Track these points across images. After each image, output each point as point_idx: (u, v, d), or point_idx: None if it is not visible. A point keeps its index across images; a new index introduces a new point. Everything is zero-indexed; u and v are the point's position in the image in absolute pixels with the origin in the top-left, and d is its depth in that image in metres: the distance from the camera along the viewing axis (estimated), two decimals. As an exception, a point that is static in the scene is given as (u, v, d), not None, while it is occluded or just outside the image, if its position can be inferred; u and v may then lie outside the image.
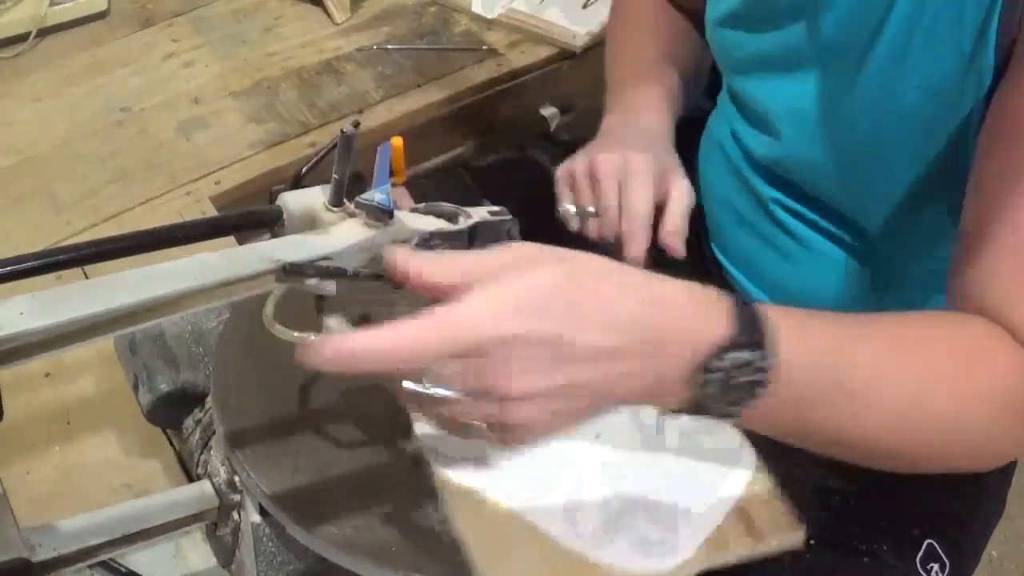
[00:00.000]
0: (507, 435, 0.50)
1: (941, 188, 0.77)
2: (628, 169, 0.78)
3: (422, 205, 0.63)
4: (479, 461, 0.64)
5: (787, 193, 0.88)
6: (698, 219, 1.02)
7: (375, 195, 0.55)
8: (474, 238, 0.62)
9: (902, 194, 0.79)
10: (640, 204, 0.77)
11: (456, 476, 0.63)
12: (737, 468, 0.66)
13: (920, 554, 0.78)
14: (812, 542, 0.76)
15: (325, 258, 0.54)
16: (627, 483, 0.65)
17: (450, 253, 0.52)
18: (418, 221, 0.59)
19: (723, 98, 0.96)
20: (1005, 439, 0.61)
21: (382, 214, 0.55)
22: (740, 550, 0.63)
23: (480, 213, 0.62)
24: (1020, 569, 1.61)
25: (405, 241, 0.57)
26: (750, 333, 0.51)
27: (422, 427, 0.65)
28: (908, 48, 0.70)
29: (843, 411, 0.56)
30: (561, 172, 0.82)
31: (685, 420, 0.57)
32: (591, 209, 0.79)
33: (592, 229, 0.79)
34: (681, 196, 0.80)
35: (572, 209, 0.80)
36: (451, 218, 0.61)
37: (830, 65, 0.77)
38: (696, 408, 0.52)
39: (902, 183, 0.78)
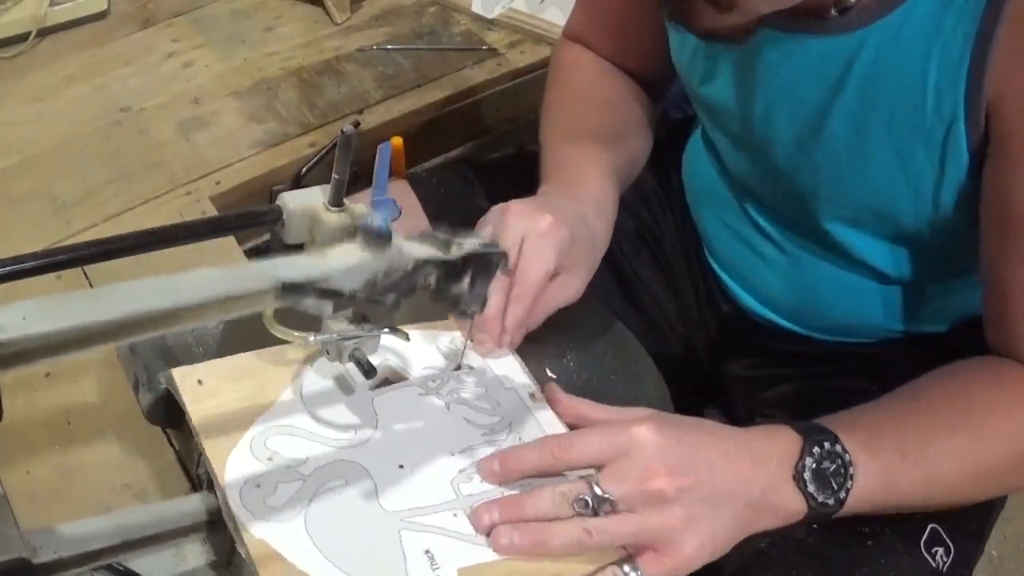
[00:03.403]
0: (662, 544, 0.60)
1: (916, 233, 0.78)
2: (535, 229, 0.72)
3: (417, 233, 0.63)
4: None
5: (761, 204, 0.88)
6: (691, 227, 1.02)
7: (374, 219, 0.55)
8: (466, 267, 0.62)
9: (877, 233, 0.80)
10: (531, 270, 0.72)
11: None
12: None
13: (924, 538, 0.78)
14: (815, 526, 0.77)
15: (322, 279, 0.54)
16: None
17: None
18: (414, 248, 0.59)
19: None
20: None
21: (380, 239, 0.55)
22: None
23: (472, 244, 0.62)
24: (1020, 569, 1.61)
25: (400, 268, 0.57)
26: (817, 432, 0.65)
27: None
28: (868, 116, 0.73)
29: (922, 472, 0.68)
30: (484, 219, 0.76)
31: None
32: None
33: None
34: (560, 292, 0.74)
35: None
36: (444, 246, 0.61)
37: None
38: (808, 512, 0.65)
39: (875, 226, 0.79)
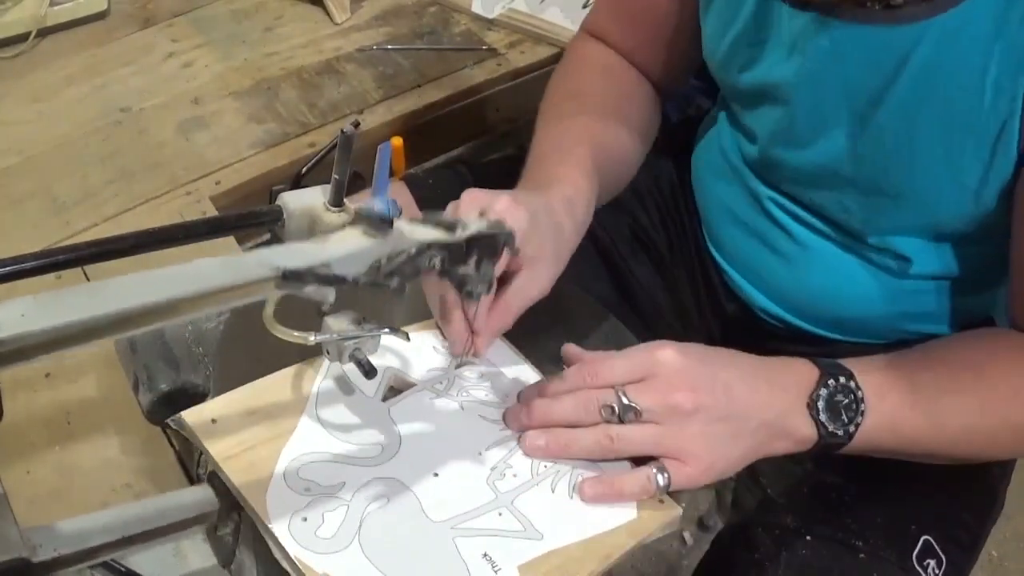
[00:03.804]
0: (679, 456, 0.65)
1: (951, 229, 0.77)
2: (492, 207, 0.68)
3: (421, 215, 0.63)
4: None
5: (784, 194, 0.88)
6: (695, 221, 1.02)
7: (375, 204, 0.55)
8: (471, 249, 0.62)
9: (911, 225, 0.80)
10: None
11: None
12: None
13: (916, 550, 0.78)
14: (808, 538, 0.77)
15: (324, 265, 0.54)
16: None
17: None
18: (416, 231, 0.59)
19: (722, 98, 0.96)
20: None
21: (381, 223, 0.55)
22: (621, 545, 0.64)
23: (478, 226, 0.62)
24: (1020, 569, 1.61)
25: (403, 251, 0.57)
26: (835, 367, 0.69)
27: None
28: (920, 108, 0.72)
29: (928, 426, 0.71)
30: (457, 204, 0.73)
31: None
32: None
33: None
34: (524, 286, 0.70)
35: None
36: (449, 228, 0.61)
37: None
38: (818, 440, 0.68)
39: (912, 217, 0.79)
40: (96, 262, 0.48)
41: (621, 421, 0.65)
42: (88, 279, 0.87)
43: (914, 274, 0.84)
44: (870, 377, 0.69)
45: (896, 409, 0.69)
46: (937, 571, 0.79)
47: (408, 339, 0.68)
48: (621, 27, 0.95)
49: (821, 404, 0.67)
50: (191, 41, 1.26)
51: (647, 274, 1.03)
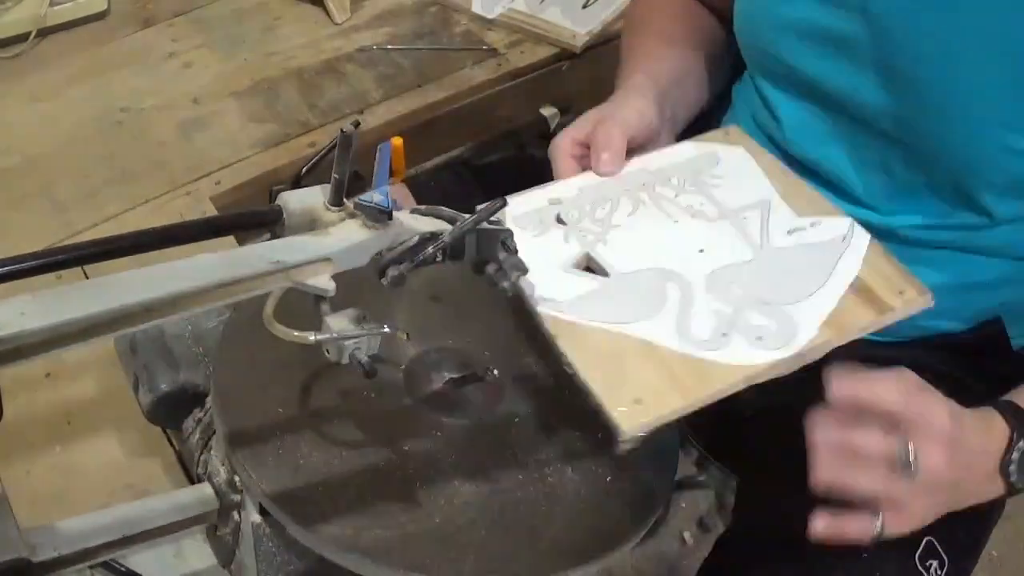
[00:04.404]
0: (893, 512, 0.64)
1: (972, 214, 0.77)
2: (606, 126, 0.77)
3: (422, 207, 0.63)
4: (583, 298, 0.67)
5: (821, 183, 0.87)
6: None
7: (374, 196, 0.55)
8: (471, 243, 0.62)
9: (925, 208, 0.79)
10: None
11: (563, 315, 0.65)
12: (849, 250, 0.70)
13: (919, 551, 0.78)
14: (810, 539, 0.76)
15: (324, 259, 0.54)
16: (736, 288, 0.67)
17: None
18: (417, 223, 0.59)
19: (747, 86, 0.95)
20: None
21: (381, 215, 0.55)
22: (863, 322, 0.65)
23: (477, 219, 0.62)
24: (1020, 569, 1.61)
25: (403, 243, 0.57)
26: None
27: (527, 284, 0.67)
28: (975, 60, 0.71)
29: None
30: (565, 134, 0.81)
31: (788, 216, 0.74)
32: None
33: None
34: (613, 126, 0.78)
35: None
36: (450, 223, 0.61)
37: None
38: (1005, 494, 0.68)
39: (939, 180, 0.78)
40: (96, 262, 0.48)
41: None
42: (88, 279, 0.87)
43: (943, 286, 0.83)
44: None
45: None
46: (939, 572, 0.78)
47: (408, 338, 0.69)
48: None
49: (1013, 468, 0.67)
50: (191, 41, 1.26)
51: None
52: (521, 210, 0.74)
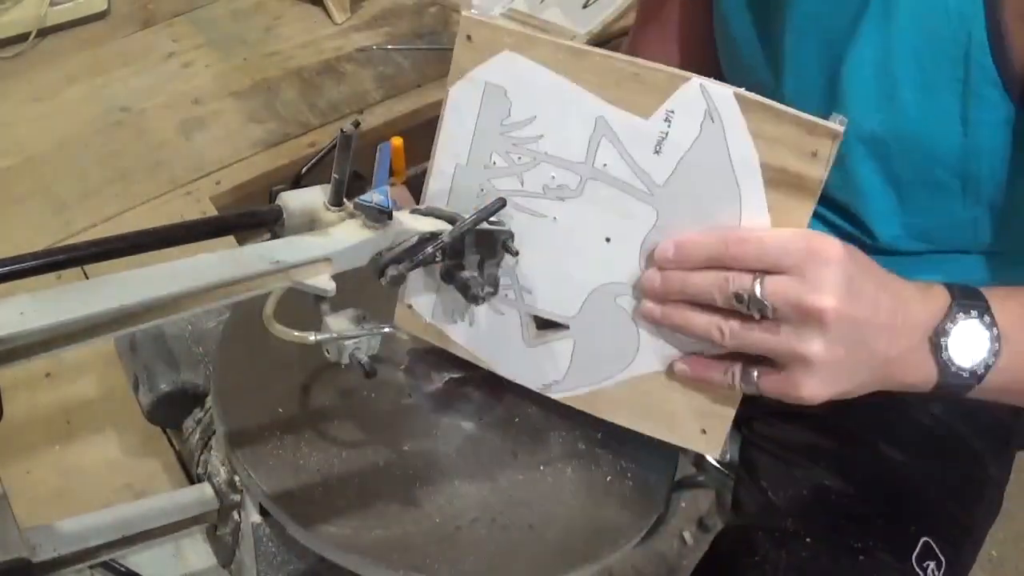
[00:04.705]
0: (788, 368, 0.58)
1: (948, 191, 0.76)
2: None
3: (422, 207, 0.63)
4: (575, 372, 0.66)
5: None
6: None
7: (374, 196, 0.56)
8: (470, 244, 0.62)
9: (901, 190, 0.79)
10: None
11: (572, 393, 0.66)
12: (729, 131, 0.57)
13: (916, 552, 0.78)
14: (808, 540, 0.76)
15: (324, 259, 0.54)
16: None
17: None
18: (416, 223, 0.59)
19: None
20: None
21: (381, 215, 0.55)
22: (806, 216, 0.58)
23: (477, 220, 0.62)
24: (1020, 569, 1.61)
25: (403, 243, 0.57)
26: (968, 297, 0.60)
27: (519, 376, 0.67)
28: (891, 34, 0.71)
29: None
30: None
31: (637, 127, 0.59)
32: None
33: None
34: None
35: None
36: (449, 222, 0.61)
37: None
38: (940, 379, 0.60)
39: (905, 178, 0.78)
40: (96, 262, 0.48)
41: (746, 313, 0.58)
42: (88, 279, 0.87)
43: (890, 247, 0.83)
44: (1007, 306, 0.61)
45: None
46: (937, 573, 0.78)
47: (408, 339, 0.69)
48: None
49: (945, 341, 0.60)
50: (191, 41, 1.26)
51: None
52: (430, 300, 0.70)
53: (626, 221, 0.61)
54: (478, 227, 0.61)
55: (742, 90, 0.56)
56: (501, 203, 0.62)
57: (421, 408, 0.71)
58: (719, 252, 0.58)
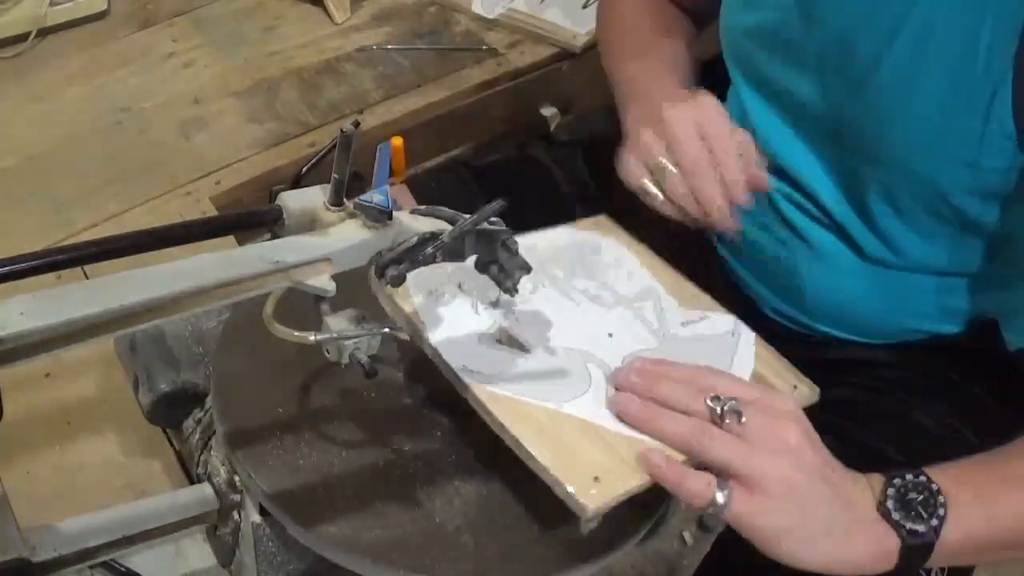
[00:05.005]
0: (752, 484, 0.60)
1: (949, 220, 0.77)
2: (705, 118, 0.75)
3: (422, 207, 0.63)
4: (513, 374, 0.66)
5: (796, 189, 0.88)
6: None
7: (374, 196, 0.55)
8: (470, 244, 0.62)
9: (903, 214, 0.80)
10: (737, 147, 0.75)
11: (498, 390, 0.65)
12: (741, 343, 0.72)
13: None
14: None
15: (324, 260, 0.54)
16: None
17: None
18: (416, 223, 0.59)
19: (732, 93, 0.97)
20: None
21: (381, 215, 0.55)
22: None
23: (476, 219, 0.62)
24: (1020, 570, 1.61)
25: (403, 243, 0.57)
26: (911, 473, 0.64)
27: (451, 355, 0.67)
28: (917, 71, 0.72)
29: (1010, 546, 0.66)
30: (631, 149, 0.79)
31: (677, 309, 0.75)
32: (672, 168, 0.75)
33: (672, 190, 0.76)
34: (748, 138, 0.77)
35: (650, 186, 0.77)
36: (450, 223, 0.61)
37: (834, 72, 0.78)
38: (902, 543, 0.62)
39: (903, 205, 0.79)
40: (96, 262, 0.48)
41: (721, 421, 0.61)
42: (88, 279, 0.87)
43: (910, 266, 0.83)
44: (942, 471, 0.65)
45: (981, 491, 0.64)
46: (940, 574, 0.78)
47: (408, 339, 0.68)
48: None
49: (893, 503, 0.63)
50: (191, 41, 1.26)
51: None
52: (424, 278, 0.71)
53: (630, 335, 0.72)
54: (478, 227, 0.61)
55: (757, 336, 0.73)
56: (502, 203, 0.62)
57: (421, 408, 0.71)
58: (694, 377, 0.64)
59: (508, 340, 0.69)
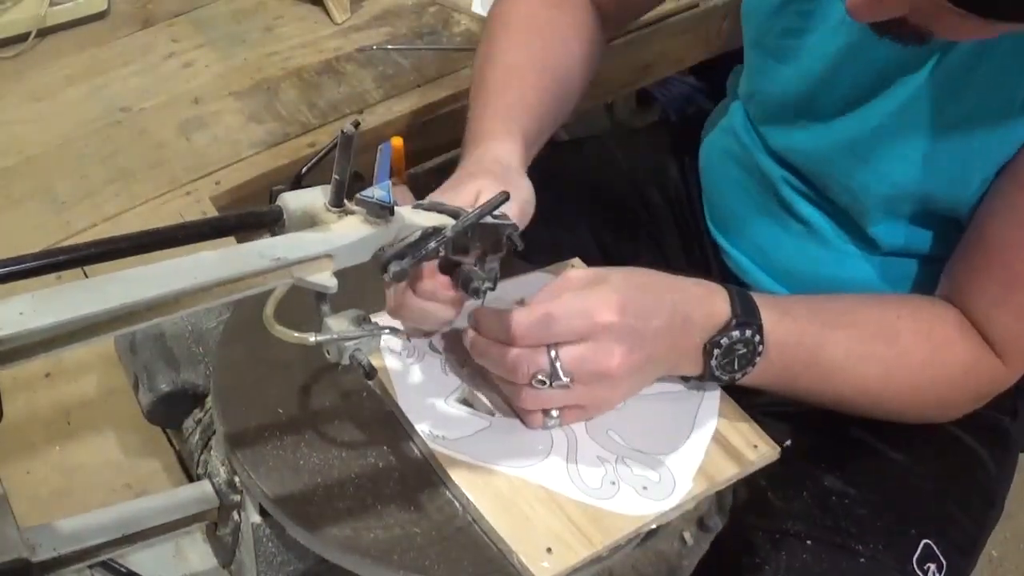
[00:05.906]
0: (592, 411, 0.68)
1: (949, 211, 0.78)
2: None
3: (425, 202, 0.63)
4: (475, 438, 0.67)
5: (796, 175, 0.88)
6: (698, 214, 1.02)
7: (375, 191, 0.55)
8: (474, 238, 0.62)
9: (905, 209, 0.80)
10: None
11: (459, 455, 0.65)
12: (705, 400, 0.73)
13: (917, 554, 0.78)
14: (808, 542, 0.77)
15: (326, 256, 0.54)
16: (615, 435, 0.69)
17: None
18: (419, 218, 0.59)
19: (735, 81, 0.97)
20: (955, 411, 0.80)
21: (382, 210, 0.55)
22: (728, 474, 0.67)
23: (481, 214, 0.62)
24: (1020, 569, 1.61)
25: (406, 238, 0.57)
26: (747, 316, 0.69)
27: (416, 416, 0.68)
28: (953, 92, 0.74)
29: (821, 384, 0.74)
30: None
31: None
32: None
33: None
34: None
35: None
36: (453, 217, 0.61)
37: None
38: (705, 374, 0.70)
39: (907, 198, 0.79)
40: (96, 262, 0.48)
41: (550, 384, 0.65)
42: (88, 279, 0.87)
43: (906, 253, 0.84)
44: (777, 329, 0.70)
45: (790, 365, 0.72)
46: (938, 575, 0.79)
47: (408, 338, 0.68)
48: None
49: (717, 352, 0.68)
50: (191, 41, 1.26)
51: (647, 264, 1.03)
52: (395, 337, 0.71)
53: None
54: (481, 221, 0.61)
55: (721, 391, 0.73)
56: (504, 197, 0.62)
57: (421, 408, 0.71)
58: (522, 334, 0.64)
59: (472, 403, 0.70)
